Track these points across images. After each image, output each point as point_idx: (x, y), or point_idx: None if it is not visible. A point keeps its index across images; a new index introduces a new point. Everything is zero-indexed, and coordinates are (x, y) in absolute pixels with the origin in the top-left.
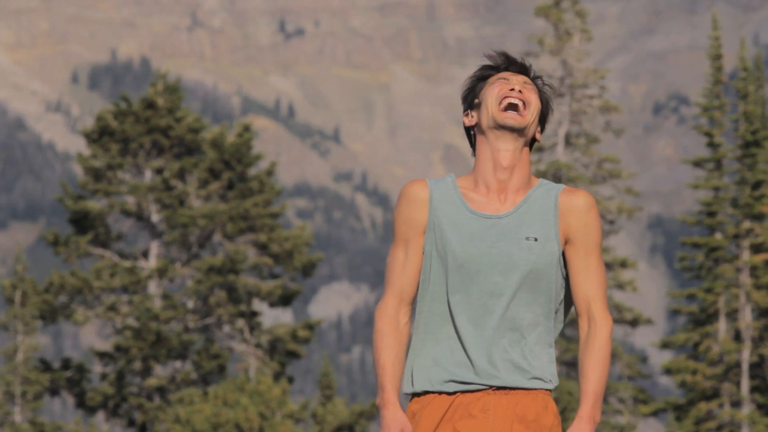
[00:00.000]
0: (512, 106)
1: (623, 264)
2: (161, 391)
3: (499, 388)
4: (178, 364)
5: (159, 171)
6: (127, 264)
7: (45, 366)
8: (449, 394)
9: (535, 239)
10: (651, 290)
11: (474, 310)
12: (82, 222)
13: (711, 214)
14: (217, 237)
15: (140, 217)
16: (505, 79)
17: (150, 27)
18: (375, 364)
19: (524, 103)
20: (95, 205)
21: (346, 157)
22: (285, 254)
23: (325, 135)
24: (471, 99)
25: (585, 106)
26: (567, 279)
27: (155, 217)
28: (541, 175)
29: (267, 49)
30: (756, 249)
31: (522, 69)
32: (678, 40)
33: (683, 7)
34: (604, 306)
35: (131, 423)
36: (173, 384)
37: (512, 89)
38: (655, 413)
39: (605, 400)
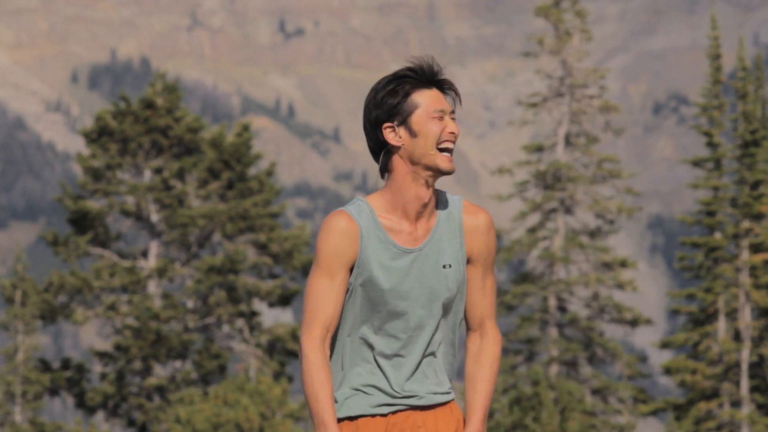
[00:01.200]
0: (447, 150)
1: (623, 264)
2: (161, 390)
3: (423, 407)
4: (178, 363)
5: (158, 171)
6: (127, 264)
7: (45, 366)
8: (383, 415)
9: (450, 266)
10: (651, 290)
11: (399, 342)
12: (81, 222)
13: (710, 214)
14: (216, 237)
15: (140, 216)
16: (441, 113)
17: (150, 27)
18: (311, 398)
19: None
20: (95, 204)
21: (346, 156)
22: (285, 254)
23: (325, 135)
24: (399, 113)
25: (585, 106)
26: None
27: (155, 217)
28: (541, 175)
29: (267, 49)
30: (755, 249)
31: (448, 87)
32: (677, 39)
33: (683, 7)
34: (495, 322)
35: (131, 423)
36: (173, 384)
37: (451, 132)
38: (654, 413)
39: (605, 400)
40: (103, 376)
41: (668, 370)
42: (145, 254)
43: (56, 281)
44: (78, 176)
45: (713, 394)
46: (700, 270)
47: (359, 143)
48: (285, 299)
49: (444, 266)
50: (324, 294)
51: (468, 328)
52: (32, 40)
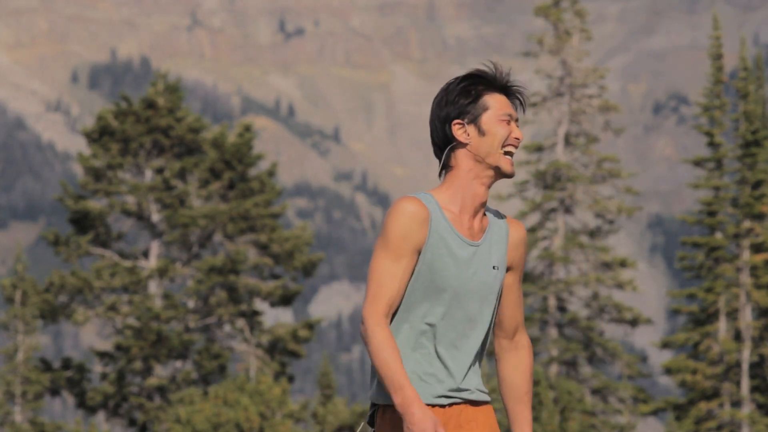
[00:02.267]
0: (510, 153)
1: (623, 264)
2: (162, 390)
3: (473, 402)
4: (178, 363)
5: (159, 171)
6: (128, 264)
7: (45, 366)
8: (441, 407)
9: (497, 268)
10: (651, 290)
11: (456, 333)
12: (82, 222)
13: (711, 214)
14: (217, 237)
15: (140, 216)
16: (508, 117)
17: (150, 26)
18: (383, 366)
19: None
20: (95, 204)
21: (346, 156)
22: (285, 254)
23: (325, 135)
24: (470, 111)
25: (584, 105)
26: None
27: (155, 217)
28: (540, 175)
29: (267, 49)
30: (756, 248)
31: (517, 95)
32: (678, 39)
33: (683, 7)
34: (525, 329)
35: (132, 423)
36: (174, 384)
37: (516, 137)
38: (655, 413)
39: (605, 400)
40: (104, 376)
41: (668, 370)
42: (145, 254)
43: (57, 281)
44: (78, 176)
45: (714, 394)
46: (700, 270)
47: (359, 143)
48: (286, 299)
49: (493, 267)
50: (390, 273)
51: (501, 336)
52: (32, 40)
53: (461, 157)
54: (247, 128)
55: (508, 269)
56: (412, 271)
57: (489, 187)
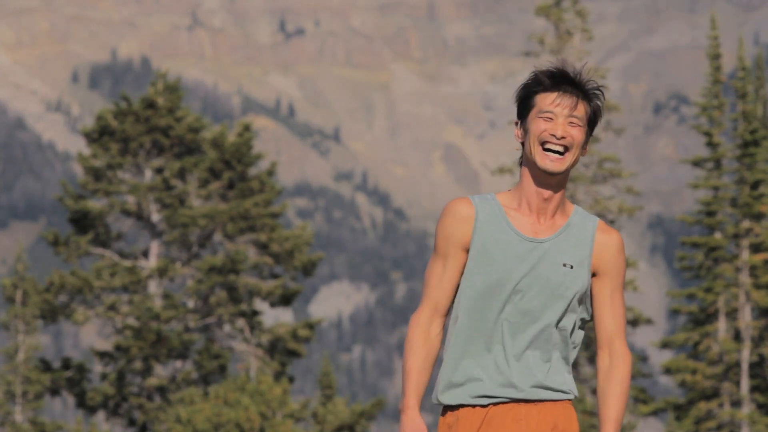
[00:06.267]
0: (550, 150)
1: None
2: (162, 390)
3: (527, 400)
4: (178, 363)
5: (159, 170)
6: (128, 264)
7: (45, 366)
8: (483, 406)
9: (571, 266)
10: (651, 290)
11: (509, 328)
12: (82, 221)
13: (710, 214)
14: (217, 237)
15: (140, 216)
16: (550, 115)
17: (150, 26)
18: (402, 370)
19: (566, 148)
20: (95, 204)
21: (346, 156)
22: (285, 254)
23: (326, 134)
24: (521, 111)
25: None
26: (590, 308)
27: (155, 217)
28: None
29: (267, 49)
30: (755, 248)
31: (573, 87)
32: (678, 39)
33: (683, 7)
34: (625, 341)
35: (132, 423)
36: (174, 384)
37: (554, 134)
38: (655, 413)
39: None
40: (104, 376)
41: (668, 370)
42: (145, 254)
43: (57, 281)
44: (78, 176)
45: (713, 394)
46: (700, 270)
47: (359, 143)
48: (286, 299)
49: (564, 264)
50: (435, 276)
51: (597, 347)
52: (33, 40)
53: (524, 156)
54: (247, 128)
55: (594, 275)
56: (461, 269)
57: (547, 184)
